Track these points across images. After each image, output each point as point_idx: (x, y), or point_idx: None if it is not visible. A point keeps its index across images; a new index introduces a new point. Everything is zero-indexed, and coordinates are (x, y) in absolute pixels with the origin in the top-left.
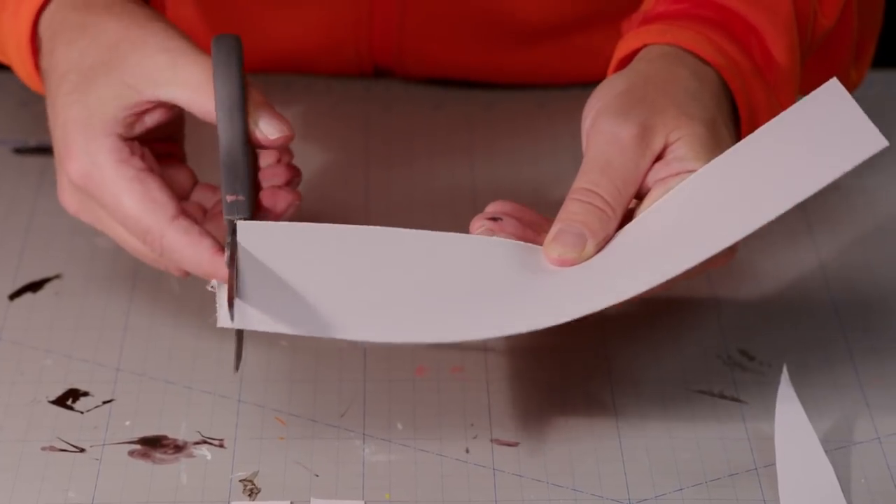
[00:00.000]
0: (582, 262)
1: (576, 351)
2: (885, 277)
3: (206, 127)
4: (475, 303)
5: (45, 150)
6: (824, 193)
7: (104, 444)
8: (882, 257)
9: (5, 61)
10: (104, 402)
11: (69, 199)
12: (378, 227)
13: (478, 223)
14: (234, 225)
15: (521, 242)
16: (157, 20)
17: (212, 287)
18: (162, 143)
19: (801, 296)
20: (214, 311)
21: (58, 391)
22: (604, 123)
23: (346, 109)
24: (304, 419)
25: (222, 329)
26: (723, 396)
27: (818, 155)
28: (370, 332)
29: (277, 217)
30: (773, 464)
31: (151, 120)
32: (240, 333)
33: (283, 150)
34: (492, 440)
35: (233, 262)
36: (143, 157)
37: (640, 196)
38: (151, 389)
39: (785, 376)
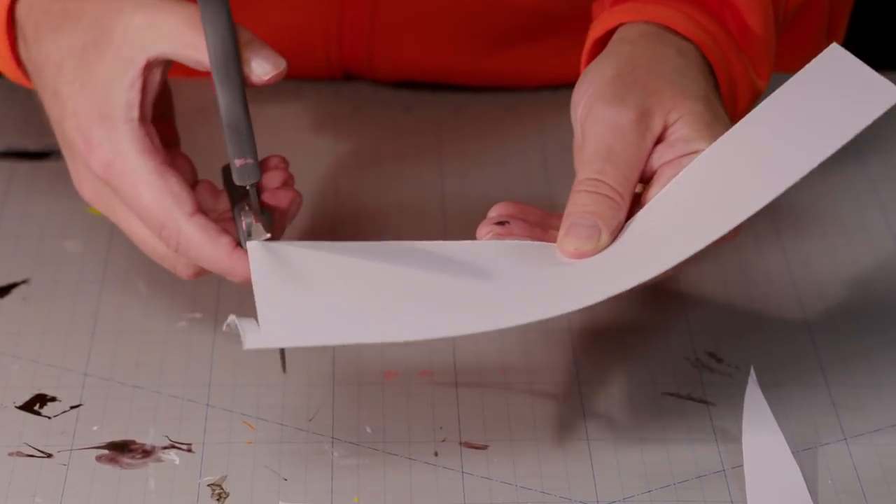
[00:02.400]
0: (598, 252)
1: (545, 353)
2: (852, 280)
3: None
4: (497, 298)
5: (12, 154)
6: (791, 198)
7: (72, 450)
8: (848, 260)
9: None
10: (72, 407)
11: (85, 186)
12: (389, 242)
13: (485, 229)
14: (248, 192)
15: (532, 242)
16: None
17: (227, 327)
18: (157, 124)
19: (769, 298)
20: (182, 315)
21: (25, 396)
22: (600, 111)
23: (316, 112)
24: (272, 423)
25: (190, 334)
26: (691, 398)
27: (831, 116)
28: (398, 333)
29: (285, 213)
30: (741, 465)
31: (155, 81)
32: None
33: (282, 165)
34: (461, 443)
35: (250, 230)
36: (161, 150)
37: (643, 180)
38: (119, 394)
39: (752, 378)
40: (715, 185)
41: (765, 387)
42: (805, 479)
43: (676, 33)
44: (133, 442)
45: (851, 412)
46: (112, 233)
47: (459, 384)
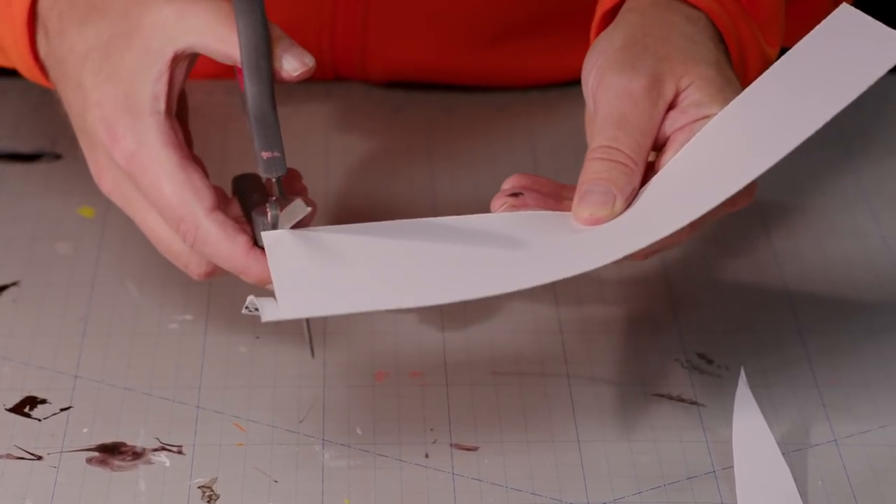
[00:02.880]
0: (613, 218)
1: (534, 354)
2: (842, 281)
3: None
4: (514, 263)
5: (3, 156)
6: (781, 199)
7: (62, 452)
8: (838, 261)
9: None
10: (62, 410)
11: (105, 178)
12: (403, 220)
13: (499, 201)
14: (275, 186)
15: (547, 212)
16: None
17: (247, 308)
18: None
19: (759, 299)
20: (173, 317)
21: (15, 399)
22: (611, 78)
23: (307, 113)
24: (262, 425)
25: (181, 336)
26: (681, 400)
27: (843, 71)
28: (416, 299)
29: (300, 225)
30: (731, 466)
31: (181, 73)
32: (308, 320)
33: (298, 176)
34: (451, 444)
35: (292, 215)
36: (185, 145)
37: (657, 147)
38: (110, 396)
39: (743, 379)
40: (728, 147)
41: (755, 388)
42: (795, 481)
43: (685, 2)
44: (123, 444)
45: (841, 413)
46: (103, 235)
47: (450, 385)
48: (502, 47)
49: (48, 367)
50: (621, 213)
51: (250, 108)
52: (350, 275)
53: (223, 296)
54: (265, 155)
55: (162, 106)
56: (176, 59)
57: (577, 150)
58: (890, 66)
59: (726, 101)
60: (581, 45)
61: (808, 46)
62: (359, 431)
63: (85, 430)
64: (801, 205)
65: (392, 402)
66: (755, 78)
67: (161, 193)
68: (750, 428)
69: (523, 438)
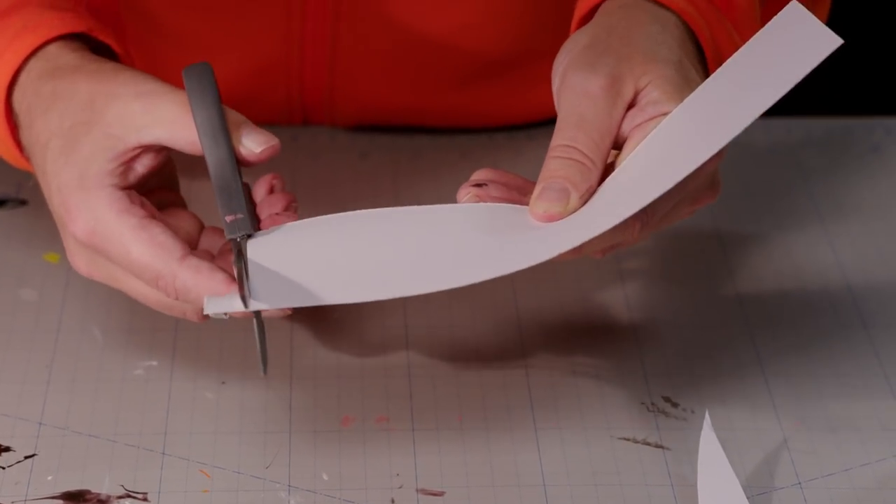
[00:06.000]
0: (567, 215)
1: (501, 399)
2: (805, 324)
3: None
4: (469, 256)
5: None
6: (746, 242)
7: (26, 500)
8: (802, 304)
9: None
10: (26, 457)
11: (79, 261)
12: (370, 210)
13: (465, 190)
14: (239, 245)
15: (508, 204)
16: (125, 70)
17: (226, 315)
18: (160, 191)
19: (724, 342)
20: (139, 363)
21: None
22: (572, 78)
23: (273, 158)
24: (228, 471)
25: (146, 382)
26: (646, 443)
27: (780, 68)
28: (376, 292)
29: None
30: None
31: (142, 166)
32: (262, 336)
33: (276, 178)
34: (417, 490)
35: (241, 281)
36: (142, 206)
37: (617, 146)
38: (74, 444)
39: (707, 422)
40: (679, 141)
41: (719, 431)
42: None
43: (656, 2)
44: (88, 492)
45: (805, 456)
46: (68, 281)
47: (416, 430)
48: (471, 88)
49: (11, 415)
50: (576, 209)
51: (211, 176)
52: (314, 269)
53: (189, 341)
54: (228, 218)
55: (114, 181)
56: (137, 150)
57: None
58: (816, 62)
59: (683, 99)
60: (548, 84)
61: (758, 43)
62: (325, 477)
63: (49, 477)
64: (765, 249)
65: (358, 447)
66: None
67: (130, 259)
68: (715, 471)
69: (489, 483)
